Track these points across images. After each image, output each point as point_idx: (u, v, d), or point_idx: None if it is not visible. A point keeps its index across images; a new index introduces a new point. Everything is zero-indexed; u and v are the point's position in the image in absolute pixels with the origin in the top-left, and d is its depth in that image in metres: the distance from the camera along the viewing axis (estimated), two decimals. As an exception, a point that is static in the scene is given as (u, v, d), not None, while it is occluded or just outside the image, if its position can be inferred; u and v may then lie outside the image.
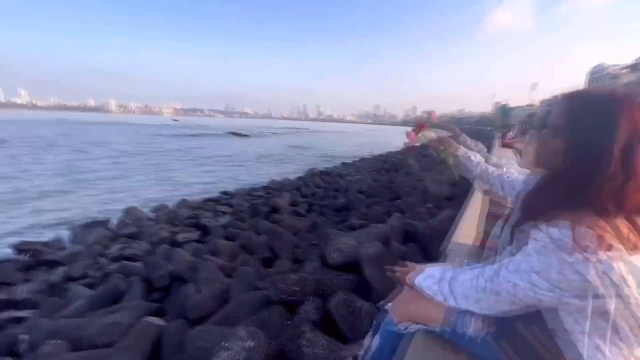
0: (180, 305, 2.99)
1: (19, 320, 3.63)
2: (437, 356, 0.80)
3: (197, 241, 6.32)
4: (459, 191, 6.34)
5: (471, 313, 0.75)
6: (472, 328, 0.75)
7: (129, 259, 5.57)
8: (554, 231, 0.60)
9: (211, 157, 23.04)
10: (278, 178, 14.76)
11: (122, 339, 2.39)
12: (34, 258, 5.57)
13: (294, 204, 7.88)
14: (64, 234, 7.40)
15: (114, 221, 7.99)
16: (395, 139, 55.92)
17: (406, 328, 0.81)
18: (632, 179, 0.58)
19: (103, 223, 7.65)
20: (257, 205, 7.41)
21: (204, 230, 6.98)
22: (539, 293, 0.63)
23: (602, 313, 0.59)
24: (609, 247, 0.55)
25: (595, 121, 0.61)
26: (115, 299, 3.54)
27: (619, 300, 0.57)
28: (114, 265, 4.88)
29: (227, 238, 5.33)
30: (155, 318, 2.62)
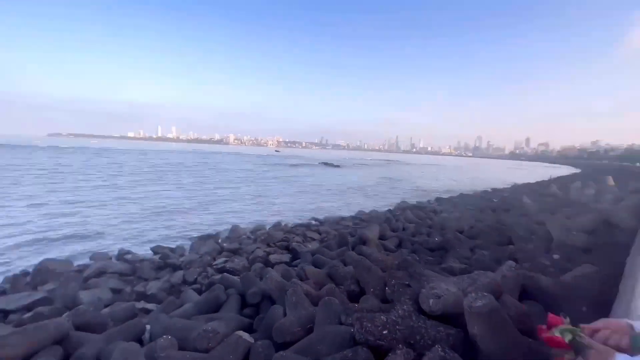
0: (268, 325, 3.08)
1: (147, 311, 4.40)
2: None
3: (287, 263, 6.64)
4: (600, 241, 4.93)
5: None
6: None
7: (230, 272, 6.21)
8: None
9: (305, 185, 24.65)
10: (366, 209, 14.59)
11: (216, 347, 2.57)
12: (162, 260, 6.78)
13: (382, 237, 7.53)
14: (186, 243, 8.90)
15: (222, 236, 9.20)
16: (501, 175, 49.00)
17: None
18: None
19: (214, 237, 8.88)
20: (344, 235, 7.36)
21: (294, 253, 7.31)
22: None
23: None
24: None
25: None
26: (215, 307, 3.92)
27: None
28: (218, 276, 5.48)
29: (315, 264, 5.39)
30: (246, 334, 2.75)
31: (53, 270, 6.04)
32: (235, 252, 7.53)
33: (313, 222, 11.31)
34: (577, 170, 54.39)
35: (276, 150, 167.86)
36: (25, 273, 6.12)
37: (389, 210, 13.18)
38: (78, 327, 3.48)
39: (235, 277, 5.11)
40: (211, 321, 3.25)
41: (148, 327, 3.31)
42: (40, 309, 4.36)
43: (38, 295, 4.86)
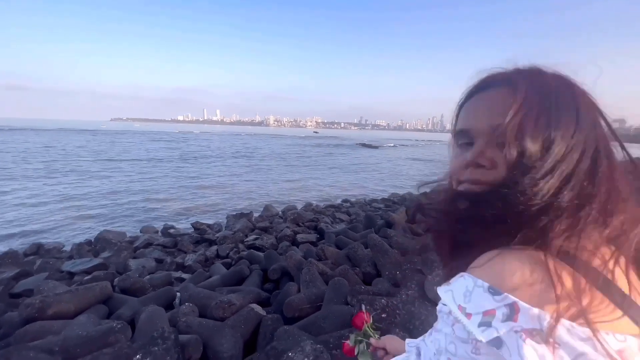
0: (281, 300, 3.23)
1: (181, 280, 4.86)
2: None
3: (313, 243, 6.81)
4: None
5: None
6: None
7: (259, 248, 6.57)
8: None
9: (340, 167, 24.59)
10: (401, 192, 14.22)
11: (231, 317, 2.78)
12: (200, 235, 7.36)
13: (412, 220, 7.33)
14: (223, 219, 9.52)
15: (255, 215, 9.65)
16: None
17: None
18: None
19: (247, 215, 9.36)
20: (372, 217, 7.29)
21: (321, 233, 7.46)
22: None
23: None
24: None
25: None
26: (239, 280, 4.20)
27: None
28: (246, 252, 5.83)
29: (337, 245, 5.46)
30: (259, 307, 2.93)
31: (110, 240, 6.89)
32: (265, 230, 7.89)
33: (344, 203, 11.34)
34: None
35: (315, 132, 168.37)
36: (89, 242, 7.05)
37: (425, 193, 12.69)
38: (123, 290, 3.99)
39: (261, 254, 5.39)
40: (232, 293, 3.51)
41: (178, 294, 3.68)
42: (97, 273, 5.02)
43: (96, 261, 5.60)
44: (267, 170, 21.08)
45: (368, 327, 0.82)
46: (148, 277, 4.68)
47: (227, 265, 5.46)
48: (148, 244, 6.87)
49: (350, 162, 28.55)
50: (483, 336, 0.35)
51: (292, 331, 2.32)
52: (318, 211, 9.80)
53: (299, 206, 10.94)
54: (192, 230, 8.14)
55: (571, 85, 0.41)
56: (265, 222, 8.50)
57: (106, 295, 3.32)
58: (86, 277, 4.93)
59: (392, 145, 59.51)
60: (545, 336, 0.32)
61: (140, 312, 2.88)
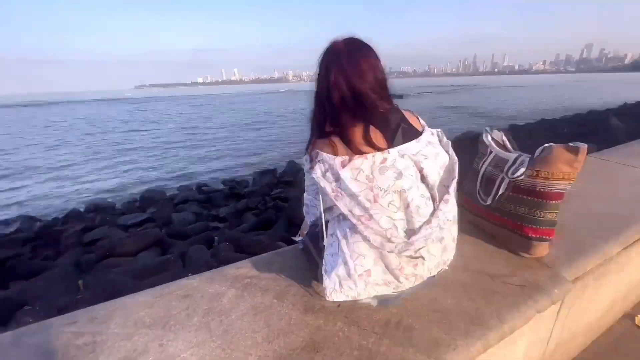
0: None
1: (217, 228, 5.52)
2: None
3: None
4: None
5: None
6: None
7: (284, 200, 7.11)
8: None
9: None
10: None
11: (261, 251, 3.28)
12: (230, 191, 8.01)
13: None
14: (250, 176, 10.16)
15: (280, 171, 10.15)
16: (612, 93, 39.44)
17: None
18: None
19: (272, 172, 9.87)
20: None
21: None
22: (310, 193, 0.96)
23: (336, 211, 0.83)
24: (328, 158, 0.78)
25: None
26: (267, 226, 4.73)
27: (337, 186, 0.77)
28: (272, 203, 6.37)
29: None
30: (284, 244, 3.39)
31: (153, 198, 7.75)
32: (289, 184, 8.37)
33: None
34: None
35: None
36: (134, 200, 7.96)
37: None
38: (170, 237, 4.68)
39: (285, 204, 5.89)
40: (260, 235, 4.03)
41: (216, 237, 4.28)
42: (147, 225, 5.82)
43: (144, 216, 6.42)
44: (291, 128, 21.27)
45: None
46: (189, 226, 5.38)
47: (257, 215, 6.06)
48: (185, 200, 7.63)
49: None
50: (308, 166, 0.83)
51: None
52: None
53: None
54: (223, 187, 8.84)
55: (334, 45, 0.82)
56: (289, 177, 8.97)
57: (158, 238, 3.97)
58: (138, 229, 5.75)
59: (417, 93, 56.46)
60: (327, 163, 0.78)
61: (188, 250, 3.46)
